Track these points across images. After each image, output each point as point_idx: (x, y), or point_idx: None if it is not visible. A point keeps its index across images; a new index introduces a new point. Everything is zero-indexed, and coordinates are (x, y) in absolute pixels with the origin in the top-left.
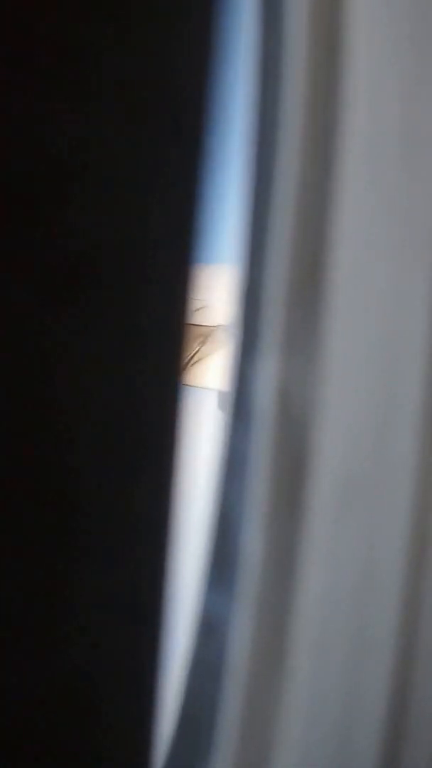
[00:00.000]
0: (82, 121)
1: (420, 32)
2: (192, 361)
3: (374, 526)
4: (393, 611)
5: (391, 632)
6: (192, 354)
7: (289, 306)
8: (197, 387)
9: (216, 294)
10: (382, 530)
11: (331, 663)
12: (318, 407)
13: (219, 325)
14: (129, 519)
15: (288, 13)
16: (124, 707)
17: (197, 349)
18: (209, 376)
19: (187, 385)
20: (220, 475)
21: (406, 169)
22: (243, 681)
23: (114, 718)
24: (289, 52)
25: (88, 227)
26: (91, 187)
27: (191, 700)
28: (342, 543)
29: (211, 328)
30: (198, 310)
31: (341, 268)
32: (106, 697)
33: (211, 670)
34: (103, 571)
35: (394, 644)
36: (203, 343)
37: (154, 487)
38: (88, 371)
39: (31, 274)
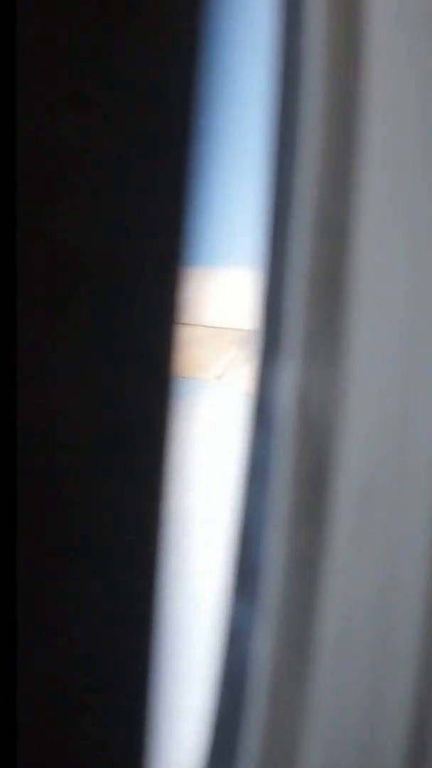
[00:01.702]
0: (76, 121)
1: None
2: (229, 366)
3: (396, 532)
4: (415, 619)
5: (414, 639)
6: (229, 358)
7: (311, 310)
8: (235, 392)
9: (248, 297)
10: (404, 537)
11: (354, 671)
12: (339, 413)
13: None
14: (120, 517)
15: (308, 13)
16: (119, 704)
17: (233, 353)
18: (245, 380)
19: (225, 388)
20: (243, 482)
21: (427, 171)
22: (267, 689)
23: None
24: (308, 51)
25: (81, 228)
26: (84, 190)
27: (216, 709)
28: (364, 550)
29: (245, 332)
30: (228, 313)
31: (362, 272)
32: (100, 697)
33: (235, 678)
34: (95, 571)
35: (417, 651)
36: (238, 347)
37: (145, 482)
38: (81, 370)
39: (25, 274)
